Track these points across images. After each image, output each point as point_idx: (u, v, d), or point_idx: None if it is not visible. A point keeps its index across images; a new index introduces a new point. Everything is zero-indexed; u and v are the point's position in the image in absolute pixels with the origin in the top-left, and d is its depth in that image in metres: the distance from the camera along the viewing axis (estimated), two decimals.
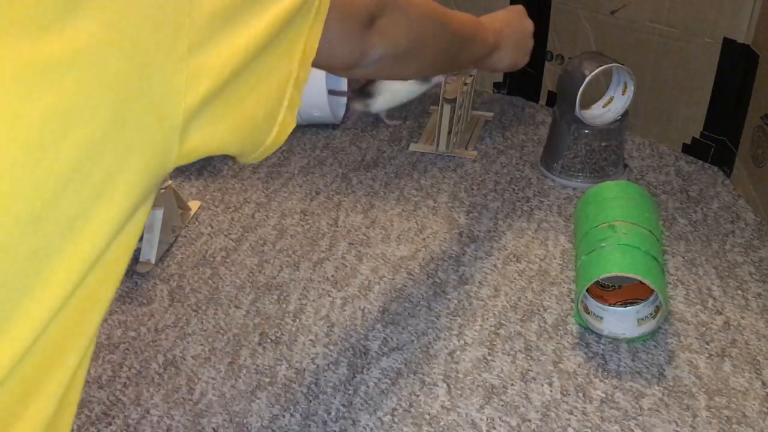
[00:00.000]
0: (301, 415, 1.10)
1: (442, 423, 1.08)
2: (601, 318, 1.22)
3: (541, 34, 1.92)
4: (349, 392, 1.14)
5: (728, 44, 1.57)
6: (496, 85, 2.06)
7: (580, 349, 1.20)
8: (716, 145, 1.68)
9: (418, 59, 0.99)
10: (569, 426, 1.07)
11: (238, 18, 0.55)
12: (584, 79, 1.51)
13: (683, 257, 1.41)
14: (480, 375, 1.16)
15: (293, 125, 0.71)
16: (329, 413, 1.10)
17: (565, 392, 1.12)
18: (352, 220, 1.54)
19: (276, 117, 0.68)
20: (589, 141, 1.59)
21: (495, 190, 1.63)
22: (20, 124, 0.44)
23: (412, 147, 1.80)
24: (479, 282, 1.36)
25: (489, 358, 1.19)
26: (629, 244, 1.18)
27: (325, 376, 1.17)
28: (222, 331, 1.26)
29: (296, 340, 1.24)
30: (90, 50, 0.46)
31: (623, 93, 1.60)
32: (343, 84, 1.94)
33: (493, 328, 1.25)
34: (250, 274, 1.39)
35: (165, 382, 1.17)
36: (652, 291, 1.20)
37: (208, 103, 0.55)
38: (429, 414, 1.10)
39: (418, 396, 1.13)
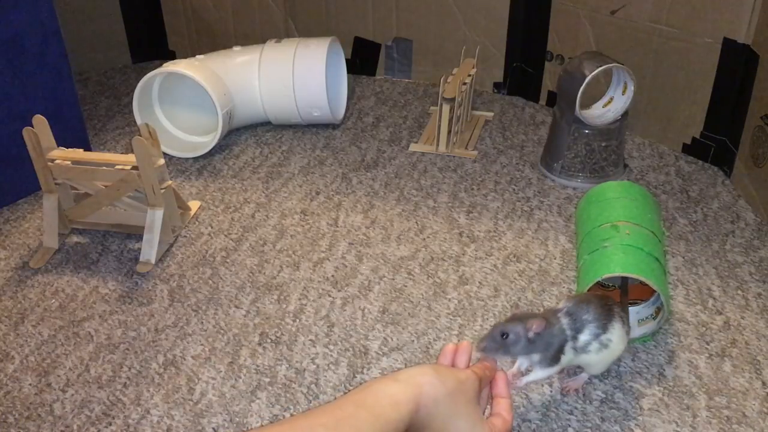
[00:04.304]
0: None
1: None
2: None
3: (541, 34, 1.92)
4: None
5: (728, 44, 1.57)
6: (496, 85, 2.06)
7: None
8: (716, 145, 1.68)
9: None
10: (569, 426, 1.07)
11: None
12: (584, 79, 1.51)
13: (683, 257, 1.41)
14: None
15: None
16: None
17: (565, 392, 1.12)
18: (352, 220, 1.54)
19: None
20: (589, 141, 1.59)
21: (495, 190, 1.63)
22: None
23: (412, 147, 1.80)
24: (479, 282, 1.36)
25: None
26: (632, 244, 1.18)
27: (325, 376, 1.17)
28: (222, 331, 1.26)
29: (296, 340, 1.24)
30: None
31: (623, 93, 1.60)
32: (343, 83, 1.95)
33: None
34: (250, 274, 1.39)
35: (165, 382, 1.17)
36: (653, 292, 1.20)
37: None
38: None
39: None
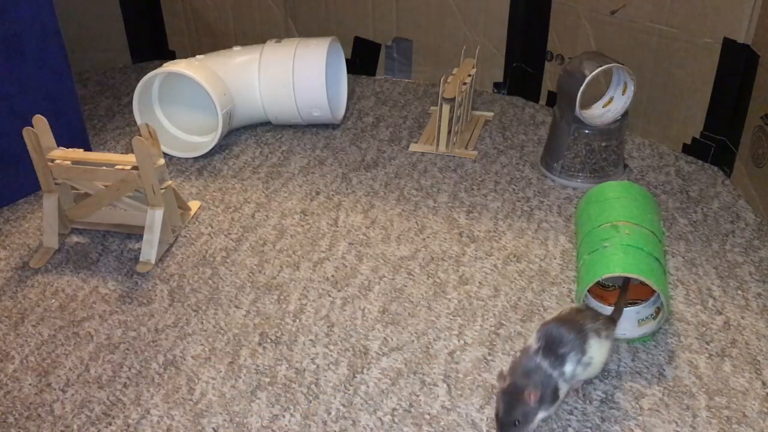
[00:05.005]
0: (301, 415, 1.10)
1: (442, 423, 1.08)
2: None
3: (541, 34, 1.92)
4: (349, 392, 1.14)
5: (728, 44, 1.57)
6: (496, 85, 2.06)
7: None
8: (716, 145, 1.68)
9: None
10: (569, 426, 1.07)
11: None
12: (584, 79, 1.51)
13: (683, 257, 1.41)
14: (480, 375, 1.16)
15: None
16: (329, 413, 1.10)
17: None
18: (352, 220, 1.54)
19: None
20: (589, 141, 1.59)
21: (495, 190, 1.63)
22: None
23: (412, 147, 1.80)
24: (479, 282, 1.36)
25: (489, 358, 1.19)
26: (632, 244, 1.18)
27: (325, 376, 1.17)
28: (222, 331, 1.26)
29: (296, 340, 1.24)
30: None
31: (623, 93, 1.60)
32: (343, 83, 1.95)
33: (493, 328, 1.25)
34: (250, 274, 1.39)
35: (165, 382, 1.17)
36: (653, 292, 1.20)
37: None
38: (429, 414, 1.10)
39: (418, 396, 1.13)
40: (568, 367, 1.02)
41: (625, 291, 1.18)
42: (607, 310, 1.22)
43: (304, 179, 1.68)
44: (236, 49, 1.86)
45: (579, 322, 1.05)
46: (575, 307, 1.10)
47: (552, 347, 1.02)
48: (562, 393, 1.02)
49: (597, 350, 1.05)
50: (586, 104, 1.62)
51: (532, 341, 1.04)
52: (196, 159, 1.77)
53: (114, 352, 1.22)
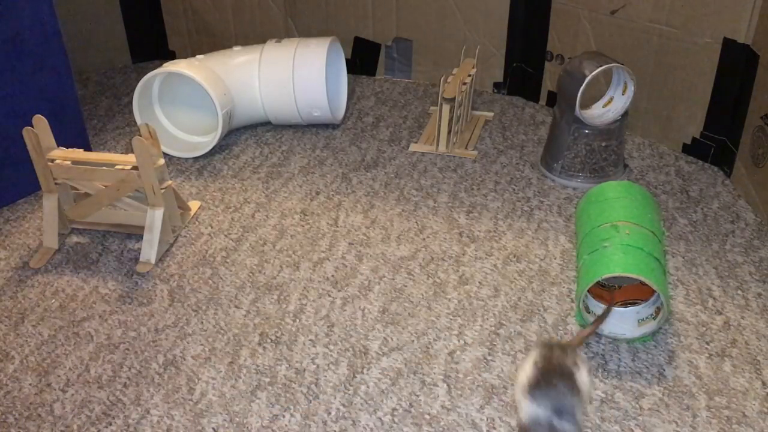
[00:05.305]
0: (301, 415, 1.10)
1: (442, 423, 1.08)
2: None
3: (541, 34, 1.92)
4: (349, 392, 1.14)
5: (728, 44, 1.57)
6: (496, 85, 2.06)
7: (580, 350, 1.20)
8: (716, 145, 1.68)
9: None
10: None
11: None
12: (584, 79, 1.51)
13: (683, 257, 1.41)
14: (480, 375, 1.16)
15: None
16: (329, 413, 1.10)
17: None
18: (352, 220, 1.54)
19: None
20: (589, 141, 1.59)
21: (495, 190, 1.63)
22: None
23: (412, 147, 1.80)
24: (479, 282, 1.36)
25: (489, 358, 1.19)
26: (632, 244, 1.18)
27: (325, 376, 1.17)
28: (222, 331, 1.26)
29: (296, 340, 1.24)
30: None
31: (623, 93, 1.60)
32: (343, 83, 1.95)
33: (493, 328, 1.25)
34: (250, 274, 1.39)
35: (165, 382, 1.17)
36: (653, 292, 1.20)
37: None
38: (429, 414, 1.10)
39: (418, 396, 1.13)
40: (579, 415, 0.96)
41: (605, 314, 1.17)
42: None
43: (304, 179, 1.68)
44: (236, 49, 1.86)
45: (564, 368, 0.99)
46: (543, 353, 1.01)
47: (564, 409, 0.95)
48: None
49: (583, 381, 0.99)
50: (586, 104, 1.62)
51: (539, 412, 0.95)
52: (196, 159, 1.77)
53: (114, 352, 1.22)
